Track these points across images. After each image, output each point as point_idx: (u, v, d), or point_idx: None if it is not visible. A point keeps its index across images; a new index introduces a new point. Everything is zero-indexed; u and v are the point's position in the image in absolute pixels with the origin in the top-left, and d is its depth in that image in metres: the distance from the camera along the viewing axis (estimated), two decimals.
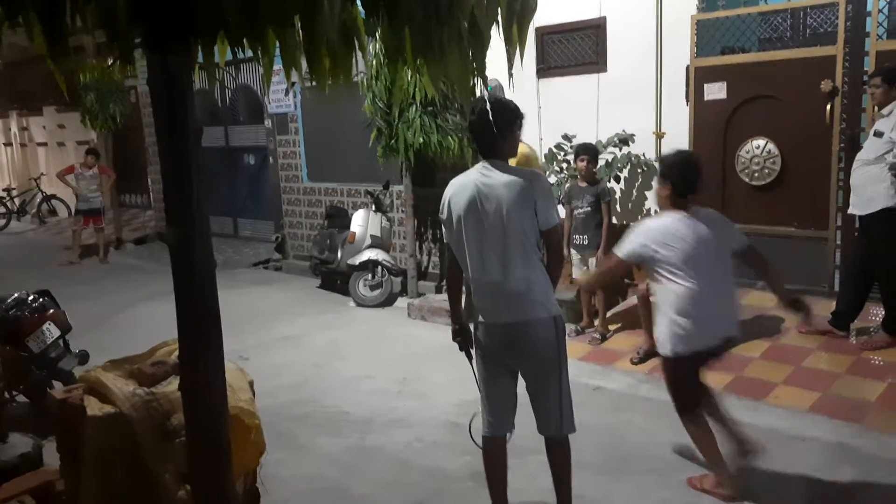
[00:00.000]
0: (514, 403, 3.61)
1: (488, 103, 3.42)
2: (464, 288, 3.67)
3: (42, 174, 17.06)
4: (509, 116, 3.45)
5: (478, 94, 7.86)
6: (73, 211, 12.52)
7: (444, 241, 3.62)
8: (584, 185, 6.57)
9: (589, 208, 6.44)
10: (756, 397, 5.13)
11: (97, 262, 11.88)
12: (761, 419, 4.83)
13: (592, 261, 6.40)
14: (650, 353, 5.85)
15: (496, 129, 3.39)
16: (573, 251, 6.73)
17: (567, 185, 7.05)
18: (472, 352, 3.71)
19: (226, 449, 2.51)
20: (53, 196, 16.43)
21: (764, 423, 4.77)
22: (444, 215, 3.50)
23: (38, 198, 16.61)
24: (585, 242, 6.55)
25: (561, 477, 3.61)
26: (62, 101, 15.38)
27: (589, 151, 6.57)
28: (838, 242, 6.35)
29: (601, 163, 6.91)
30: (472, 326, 3.60)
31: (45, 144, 17.77)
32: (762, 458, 4.07)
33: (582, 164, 6.51)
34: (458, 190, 3.44)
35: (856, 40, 6.06)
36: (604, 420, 5.01)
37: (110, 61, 12.40)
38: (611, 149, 7.10)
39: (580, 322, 6.96)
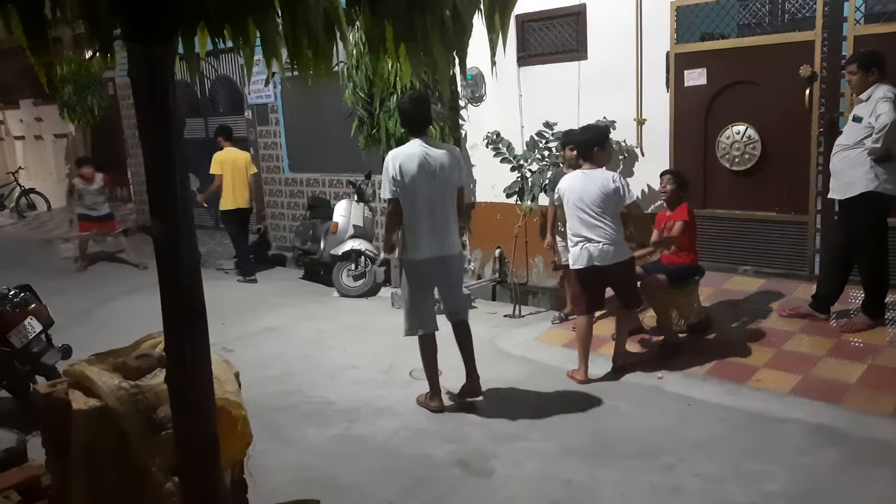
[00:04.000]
0: (435, 310, 5.04)
1: (415, 95, 4.90)
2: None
3: (20, 168, 16.87)
4: (429, 105, 4.98)
5: (458, 81, 7.90)
6: (75, 218, 11.14)
7: (389, 196, 4.80)
8: (568, 171, 6.59)
9: None
10: (738, 381, 5.18)
11: (139, 269, 10.56)
12: (743, 402, 4.89)
13: None
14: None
15: (426, 114, 4.91)
16: (558, 238, 6.75)
17: (550, 172, 7.06)
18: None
19: (213, 440, 2.52)
20: (32, 190, 16.25)
21: (746, 407, 4.84)
22: (397, 176, 4.71)
23: (17, 192, 16.41)
24: None
25: (467, 349, 5.04)
26: (39, 94, 15.18)
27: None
28: (818, 226, 6.39)
29: None
30: (407, 259, 4.89)
31: (22, 138, 17.55)
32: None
33: (571, 154, 6.51)
34: (407, 158, 4.74)
35: (834, 25, 6.09)
36: (588, 406, 5.04)
37: (89, 53, 12.18)
38: None
39: (563, 309, 6.99)
